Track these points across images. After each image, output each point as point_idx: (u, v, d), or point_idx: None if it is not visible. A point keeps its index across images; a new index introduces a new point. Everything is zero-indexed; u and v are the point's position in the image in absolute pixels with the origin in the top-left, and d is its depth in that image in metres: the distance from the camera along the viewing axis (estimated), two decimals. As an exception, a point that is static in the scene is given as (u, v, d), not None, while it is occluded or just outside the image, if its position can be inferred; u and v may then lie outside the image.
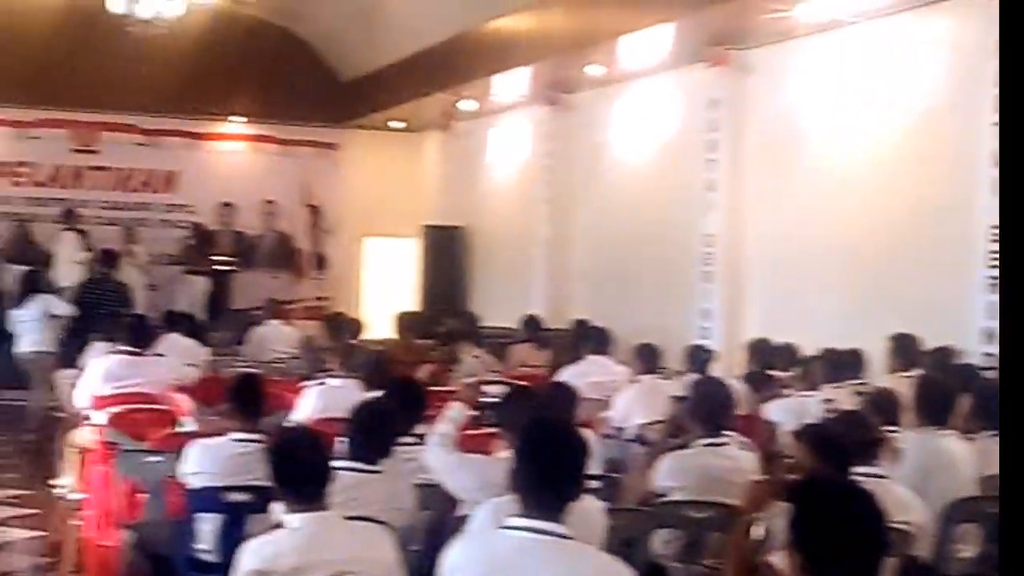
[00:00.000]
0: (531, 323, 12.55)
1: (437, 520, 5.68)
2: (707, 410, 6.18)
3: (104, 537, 7.56)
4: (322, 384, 8.52)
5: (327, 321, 12.60)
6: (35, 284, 13.42)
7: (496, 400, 6.21)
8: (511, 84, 14.97)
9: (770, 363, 9.61)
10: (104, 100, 18.34)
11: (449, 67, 15.22)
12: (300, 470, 4.54)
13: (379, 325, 14.36)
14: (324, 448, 4.77)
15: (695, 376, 8.35)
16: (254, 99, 19.03)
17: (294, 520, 4.45)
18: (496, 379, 9.09)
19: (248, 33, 18.56)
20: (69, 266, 15.46)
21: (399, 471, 5.63)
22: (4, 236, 17.53)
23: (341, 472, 4.95)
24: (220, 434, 6.21)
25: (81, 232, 16.67)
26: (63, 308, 13.21)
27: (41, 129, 18.70)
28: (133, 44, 16.11)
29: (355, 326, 12.54)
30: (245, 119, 19.47)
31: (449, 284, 18.01)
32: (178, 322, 11.67)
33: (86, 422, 8.98)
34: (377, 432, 5.55)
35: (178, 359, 10.18)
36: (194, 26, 17.00)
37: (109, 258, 14.51)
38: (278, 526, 4.50)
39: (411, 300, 17.73)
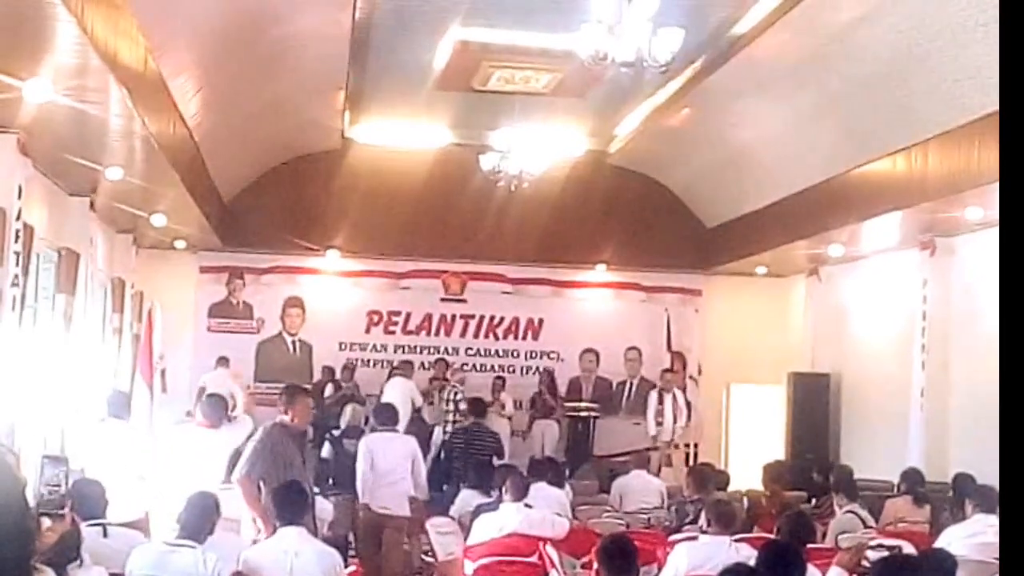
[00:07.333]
0: (912, 476, 11.83)
1: None
2: None
3: None
4: (692, 539, 8.30)
5: (692, 472, 12.33)
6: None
7: (877, 567, 5.82)
8: (882, 229, 14.44)
9: None
10: (472, 251, 18.92)
11: (816, 213, 14.86)
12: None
13: (745, 474, 13.99)
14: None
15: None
16: (618, 247, 19.22)
17: None
18: (877, 542, 8.61)
19: (611, 182, 18.83)
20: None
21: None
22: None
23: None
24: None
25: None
26: None
27: (413, 279, 19.42)
28: (501, 197, 16.62)
29: (721, 477, 12.29)
30: (608, 267, 19.63)
31: (816, 434, 17.41)
32: (544, 471, 11.63)
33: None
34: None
35: (548, 509, 10.14)
36: (559, 177, 17.38)
37: (479, 407, 14.73)
38: None
39: (777, 449, 17.24)
